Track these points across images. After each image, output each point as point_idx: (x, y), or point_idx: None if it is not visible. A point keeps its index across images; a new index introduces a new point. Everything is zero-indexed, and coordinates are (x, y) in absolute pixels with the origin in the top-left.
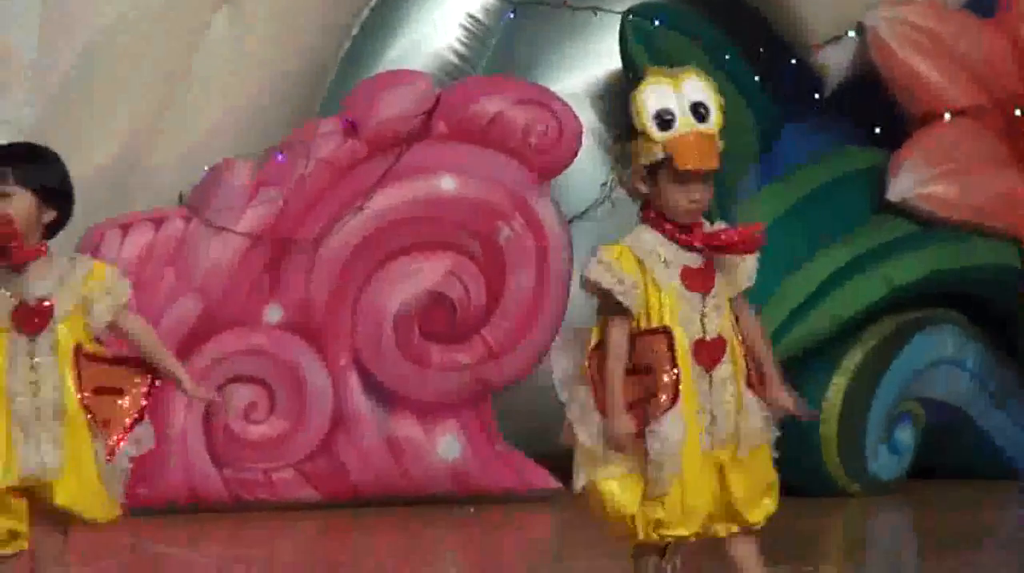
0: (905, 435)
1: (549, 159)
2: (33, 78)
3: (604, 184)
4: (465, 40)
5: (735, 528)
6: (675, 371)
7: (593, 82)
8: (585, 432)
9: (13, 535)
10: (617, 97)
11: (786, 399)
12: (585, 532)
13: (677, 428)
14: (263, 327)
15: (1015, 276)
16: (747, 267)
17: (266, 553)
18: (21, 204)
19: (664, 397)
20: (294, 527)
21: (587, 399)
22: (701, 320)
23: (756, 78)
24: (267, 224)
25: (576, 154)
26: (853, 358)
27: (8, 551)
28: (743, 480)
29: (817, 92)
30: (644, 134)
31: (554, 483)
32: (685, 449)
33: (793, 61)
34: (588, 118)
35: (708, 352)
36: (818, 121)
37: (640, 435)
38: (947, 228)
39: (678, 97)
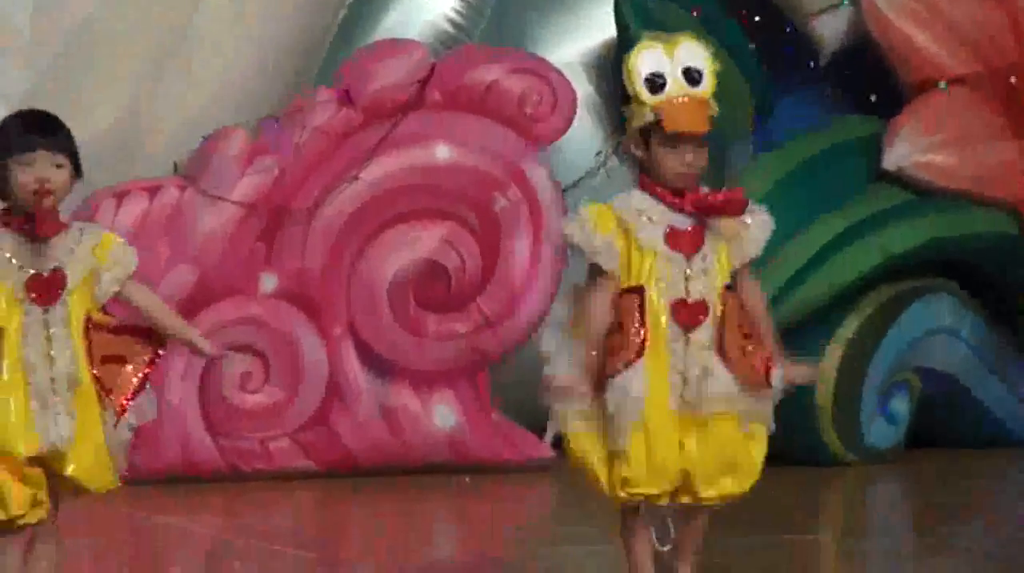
0: (901, 404)
1: (544, 128)
2: (27, 49)
3: (599, 153)
4: (460, 9)
5: (688, 499)
6: (643, 330)
7: (588, 52)
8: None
9: (36, 502)
10: (612, 67)
11: (791, 371)
12: (582, 502)
13: (636, 383)
14: (258, 296)
15: (1012, 244)
16: (753, 237)
17: (263, 523)
18: (64, 176)
19: (627, 353)
20: (291, 497)
21: (565, 341)
22: (685, 281)
23: (752, 48)
24: (262, 193)
25: (571, 123)
26: (849, 327)
27: (32, 520)
28: (704, 452)
29: (813, 61)
30: (636, 98)
31: (551, 453)
32: (651, 406)
33: (789, 30)
34: (583, 88)
35: (688, 313)
36: (814, 90)
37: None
38: (943, 197)
39: (671, 61)
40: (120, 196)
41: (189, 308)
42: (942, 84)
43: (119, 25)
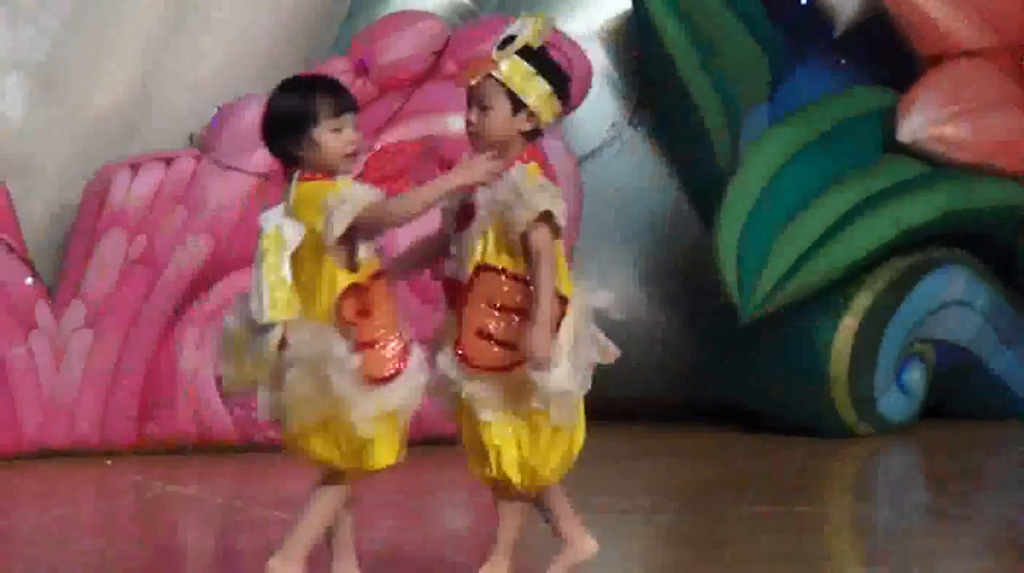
0: (915, 376)
1: None
2: (40, 16)
3: (613, 124)
4: None
5: None
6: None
7: (603, 22)
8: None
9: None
10: (626, 37)
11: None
12: (601, 469)
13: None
14: None
15: None
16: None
17: (276, 492)
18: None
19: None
20: (304, 466)
21: None
22: (459, 261)
23: (767, 18)
24: (277, 163)
25: (585, 94)
26: (863, 299)
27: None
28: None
29: (828, 33)
30: None
31: None
32: None
33: (804, 1)
34: (597, 58)
35: (451, 290)
36: (828, 62)
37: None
38: (957, 168)
39: (505, 29)
40: (135, 166)
41: (203, 278)
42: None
43: None
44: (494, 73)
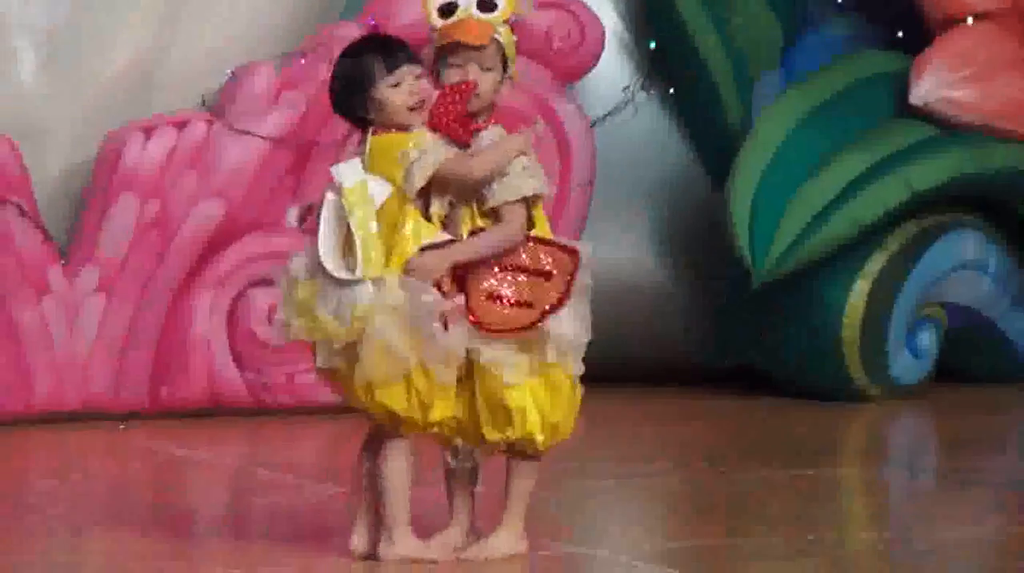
0: (927, 339)
1: (571, 63)
2: None
3: (627, 88)
4: None
5: None
6: None
7: None
8: None
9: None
10: (640, 1)
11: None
12: (612, 433)
13: None
14: (286, 230)
15: None
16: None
17: (288, 456)
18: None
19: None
20: (316, 430)
21: None
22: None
23: None
24: (290, 127)
25: (599, 58)
26: (875, 263)
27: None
28: None
29: None
30: (432, 28)
31: None
32: None
33: None
34: (611, 21)
35: None
36: (840, 26)
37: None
38: (969, 132)
39: None
40: (148, 130)
41: (216, 242)
42: (969, 19)
43: None
44: (495, 36)
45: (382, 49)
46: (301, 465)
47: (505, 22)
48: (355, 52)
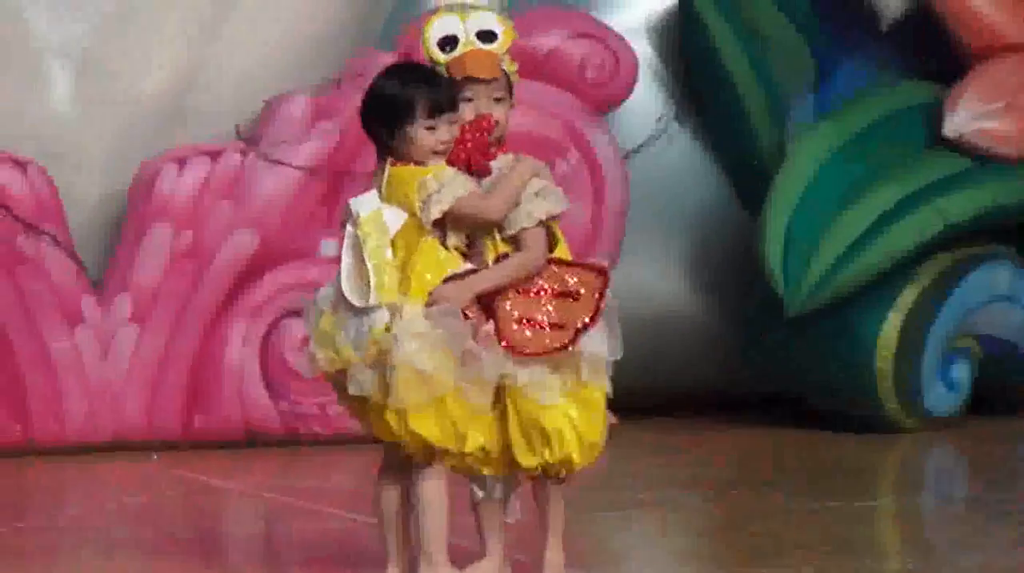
0: (960, 371)
1: (605, 93)
2: (87, 5)
3: (660, 118)
4: None
5: None
6: None
7: (649, 16)
8: None
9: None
10: (673, 31)
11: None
12: (644, 463)
13: None
14: (319, 261)
15: None
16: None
17: (321, 486)
18: None
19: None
20: (349, 460)
21: None
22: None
23: (812, 12)
24: (323, 157)
25: (632, 88)
26: (908, 295)
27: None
28: None
29: (873, 27)
30: (432, 62)
31: (610, 419)
32: None
33: None
34: (644, 52)
35: None
36: (874, 56)
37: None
38: (1003, 164)
39: (464, 26)
40: (182, 160)
41: (250, 271)
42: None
43: None
44: (503, 67)
45: (431, 90)
46: (334, 494)
47: (507, 51)
48: (404, 80)
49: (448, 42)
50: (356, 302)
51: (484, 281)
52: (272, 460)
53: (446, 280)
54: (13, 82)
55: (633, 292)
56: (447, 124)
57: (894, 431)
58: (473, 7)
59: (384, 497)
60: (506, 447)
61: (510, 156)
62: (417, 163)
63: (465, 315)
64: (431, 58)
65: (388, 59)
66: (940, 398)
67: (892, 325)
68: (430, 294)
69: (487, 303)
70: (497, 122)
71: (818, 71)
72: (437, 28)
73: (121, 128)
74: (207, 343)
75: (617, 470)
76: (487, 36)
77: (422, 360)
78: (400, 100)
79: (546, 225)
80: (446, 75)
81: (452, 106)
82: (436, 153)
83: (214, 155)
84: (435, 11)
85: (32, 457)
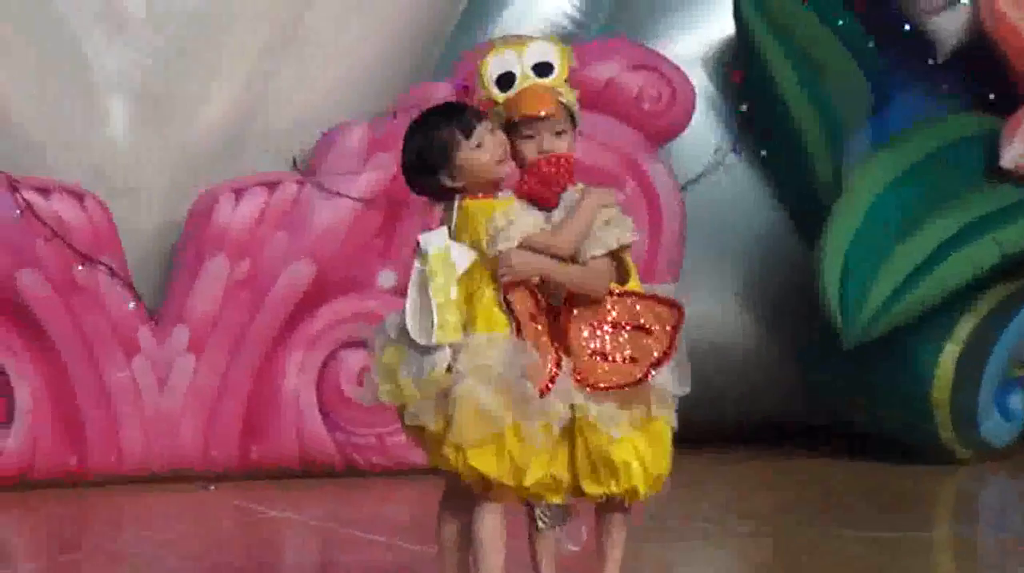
0: (1017, 401)
1: (662, 124)
2: (145, 36)
3: (717, 150)
4: (578, 4)
5: None
6: None
7: (706, 47)
8: None
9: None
10: (731, 61)
11: None
12: (700, 494)
13: None
14: (376, 292)
15: None
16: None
17: (378, 515)
18: None
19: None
20: (406, 490)
21: None
22: None
23: (869, 42)
24: (380, 188)
25: (689, 119)
26: (965, 325)
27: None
28: None
29: (930, 58)
30: (492, 100)
31: None
32: None
33: (906, 27)
34: (701, 83)
35: None
36: (930, 86)
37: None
38: None
39: (520, 61)
40: (239, 191)
41: (307, 302)
42: None
43: (235, 14)
44: (561, 99)
45: (452, 117)
46: (392, 524)
47: (565, 81)
48: (425, 129)
49: (505, 79)
50: (420, 340)
51: (552, 269)
52: (329, 490)
53: (520, 246)
54: (72, 114)
55: (690, 322)
56: (488, 134)
57: (950, 461)
58: (530, 37)
59: (444, 529)
60: (572, 475)
61: (580, 186)
62: (487, 188)
63: (533, 319)
64: (489, 96)
65: (444, 89)
66: (997, 428)
67: (949, 355)
68: (500, 255)
69: (563, 334)
70: (570, 159)
71: (875, 101)
72: (494, 65)
73: (178, 160)
74: (263, 373)
75: (673, 500)
76: (544, 69)
77: (484, 396)
78: (435, 142)
79: (618, 256)
80: (504, 115)
81: (479, 116)
82: (500, 162)
83: (271, 186)
84: (491, 47)
85: (89, 487)
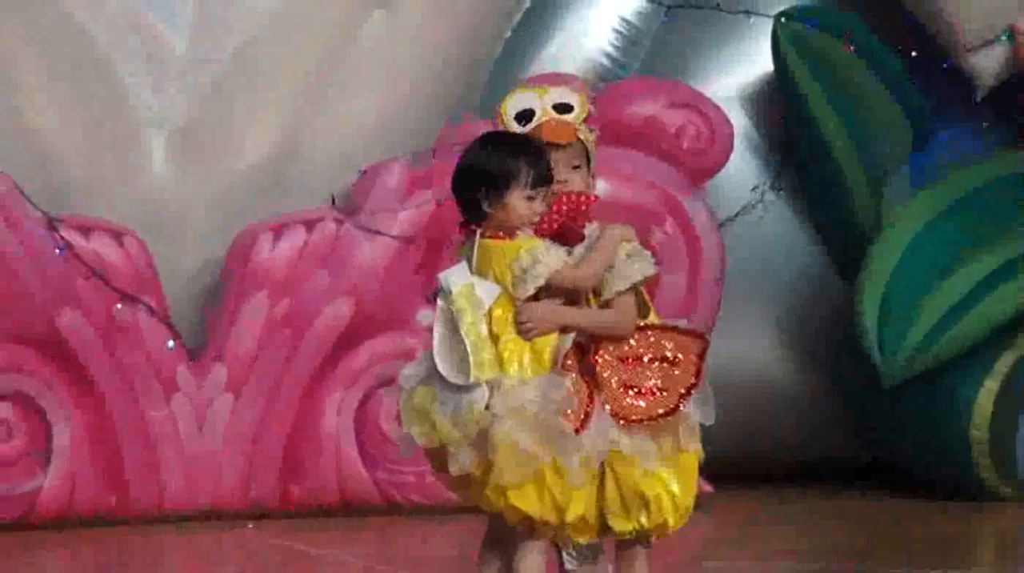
0: None
1: (701, 162)
2: (186, 75)
3: (756, 188)
4: (617, 43)
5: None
6: None
7: (745, 85)
8: None
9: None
10: (770, 100)
11: None
12: (740, 532)
13: None
14: (416, 330)
15: None
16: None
17: (419, 554)
18: None
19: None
20: (447, 528)
21: None
22: None
23: (908, 80)
24: (420, 226)
25: (728, 157)
26: (1004, 362)
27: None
28: None
29: (970, 96)
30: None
31: (706, 487)
32: None
33: (945, 65)
34: (740, 121)
35: None
36: (971, 124)
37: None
38: None
39: (541, 100)
40: (277, 229)
41: (346, 341)
42: None
43: (275, 53)
44: (580, 135)
45: (534, 160)
46: (433, 563)
47: (584, 121)
48: (507, 149)
49: (525, 115)
50: (455, 380)
51: (574, 317)
52: (369, 529)
53: (538, 298)
54: (113, 153)
55: (729, 360)
56: (542, 196)
57: (991, 499)
58: (550, 83)
59: (486, 569)
60: (599, 512)
61: (596, 224)
62: (507, 232)
63: (565, 360)
64: (508, 131)
65: (484, 127)
66: None
67: (988, 391)
68: (518, 308)
69: (588, 367)
70: (591, 198)
71: (916, 139)
72: (514, 103)
73: (218, 198)
74: (303, 412)
75: (711, 537)
76: (563, 108)
77: (522, 437)
78: (505, 168)
79: (637, 290)
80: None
81: (549, 180)
82: (530, 223)
83: (310, 224)
84: (513, 88)
85: (129, 526)
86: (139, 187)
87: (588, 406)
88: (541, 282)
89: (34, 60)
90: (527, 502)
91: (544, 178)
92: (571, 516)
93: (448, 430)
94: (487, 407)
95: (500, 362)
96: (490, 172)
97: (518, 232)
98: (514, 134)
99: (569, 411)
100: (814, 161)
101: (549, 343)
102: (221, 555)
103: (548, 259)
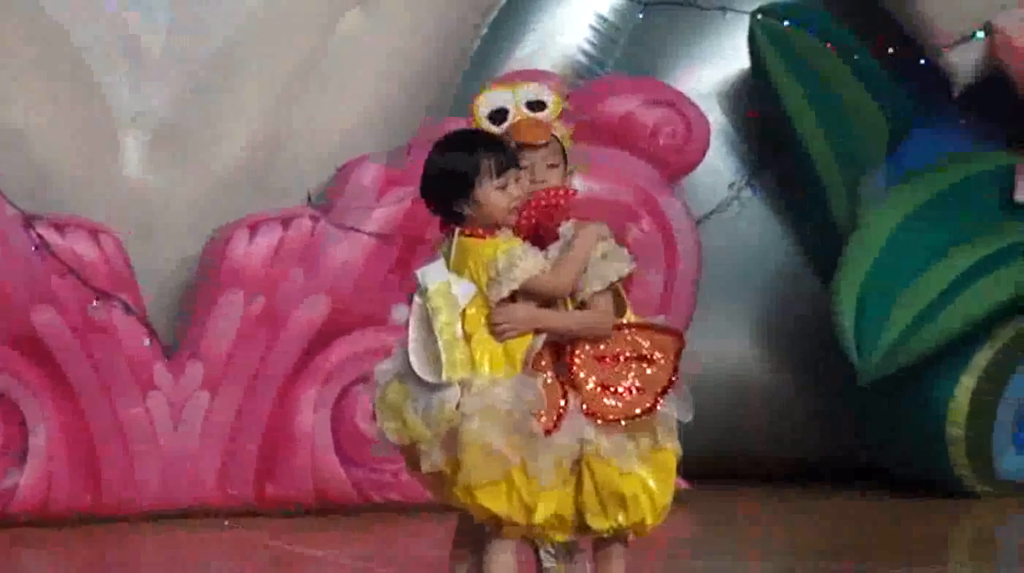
0: None
1: (677, 159)
2: (164, 74)
3: (732, 184)
4: (594, 40)
5: None
6: None
7: (722, 82)
8: None
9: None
10: (746, 97)
11: None
12: (718, 531)
13: None
14: (391, 327)
15: None
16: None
17: (399, 552)
18: None
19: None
20: (424, 527)
21: None
22: None
23: (886, 77)
24: (396, 224)
25: (704, 154)
26: (981, 358)
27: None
28: None
29: (946, 93)
30: None
31: (683, 484)
32: None
33: (922, 62)
34: (717, 118)
35: None
36: (948, 122)
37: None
38: None
39: (514, 98)
40: (253, 226)
41: (322, 338)
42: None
43: (253, 53)
44: (555, 133)
45: (492, 149)
46: (407, 561)
47: (558, 118)
48: (464, 148)
49: (498, 114)
50: (428, 378)
51: (552, 319)
52: (346, 527)
53: (514, 300)
54: (89, 151)
55: (706, 359)
56: (514, 180)
57: (968, 496)
58: (522, 81)
59: (457, 568)
60: (577, 511)
61: (571, 222)
62: (489, 227)
63: (538, 361)
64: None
65: (460, 126)
66: (1013, 463)
67: (964, 388)
68: (494, 310)
69: (562, 367)
70: (569, 192)
71: (894, 136)
72: (487, 102)
73: (195, 197)
74: (279, 410)
75: (689, 536)
76: (536, 106)
77: (492, 437)
78: (466, 165)
79: (615, 287)
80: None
81: (515, 161)
82: (510, 211)
83: (286, 222)
84: (485, 86)
85: (104, 524)
86: (116, 185)
87: (561, 407)
88: (516, 286)
89: (11, 58)
90: (495, 502)
91: (509, 162)
92: (540, 517)
93: (419, 428)
94: (458, 406)
95: (472, 362)
96: (452, 176)
97: (497, 231)
98: (467, 130)
99: (541, 412)
100: (790, 159)
101: (521, 343)
102: (203, 553)
103: (525, 263)
